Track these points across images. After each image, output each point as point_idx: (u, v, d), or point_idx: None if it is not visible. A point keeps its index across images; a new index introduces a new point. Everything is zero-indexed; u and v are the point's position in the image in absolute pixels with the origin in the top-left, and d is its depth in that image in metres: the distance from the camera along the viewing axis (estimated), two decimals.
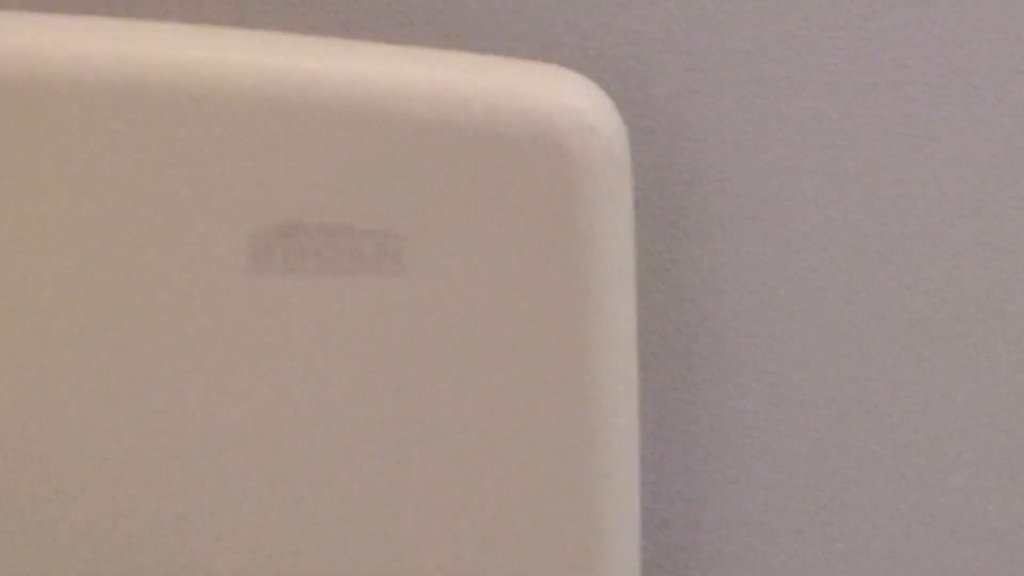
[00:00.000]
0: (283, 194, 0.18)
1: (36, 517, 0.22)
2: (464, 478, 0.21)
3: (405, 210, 0.19)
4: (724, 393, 0.27)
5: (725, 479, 0.28)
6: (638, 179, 0.22)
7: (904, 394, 0.26)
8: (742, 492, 0.28)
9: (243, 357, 0.19)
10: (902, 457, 0.27)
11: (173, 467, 0.22)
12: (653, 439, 0.26)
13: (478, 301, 0.19)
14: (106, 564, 0.22)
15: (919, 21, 0.23)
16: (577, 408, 0.21)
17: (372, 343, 0.20)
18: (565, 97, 0.20)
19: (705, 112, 0.24)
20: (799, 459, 0.28)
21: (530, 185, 0.20)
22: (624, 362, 0.22)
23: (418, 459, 0.21)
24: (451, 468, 0.21)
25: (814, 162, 0.25)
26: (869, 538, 0.28)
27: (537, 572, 0.22)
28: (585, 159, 0.20)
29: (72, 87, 0.17)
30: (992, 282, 0.25)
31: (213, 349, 0.19)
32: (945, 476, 0.27)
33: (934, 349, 0.26)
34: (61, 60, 0.17)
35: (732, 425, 0.28)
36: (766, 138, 0.25)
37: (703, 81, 0.23)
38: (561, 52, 0.21)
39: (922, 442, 0.27)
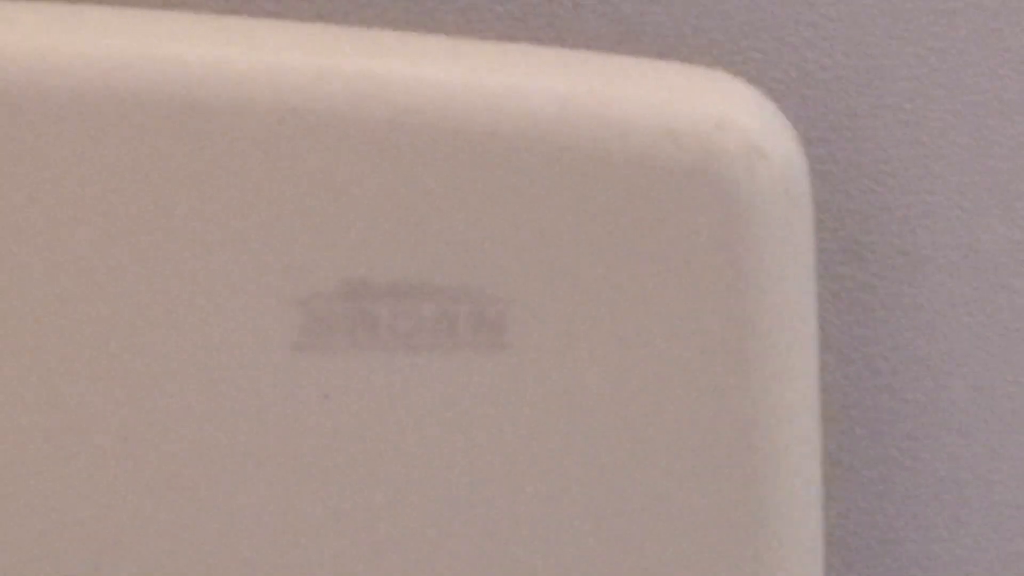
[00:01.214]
0: (347, 244, 0.13)
1: None
2: None
3: (511, 264, 0.13)
4: (923, 459, 0.20)
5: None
6: (818, 214, 0.16)
7: None
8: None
9: (292, 457, 0.14)
10: None
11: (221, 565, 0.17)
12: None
13: (610, 385, 0.14)
14: None
15: None
16: (748, 501, 0.15)
17: (461, 440, 0.14)
18: (730, 112, 0.14)
19: (898, 135, 0.17)
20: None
21: (679, 226, 0.14)
22: (808, 446, 0.15)
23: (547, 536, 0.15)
24: None
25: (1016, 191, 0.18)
26: None
27: None
28: (753, 191, 0.14)
29: (77, 100, 0.13)
30: None
31: (255, 450, 0.14)
32: None
33: None
34: (70, 65, 0.13)
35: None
36: (968, 165, 0.18)
37: (898, 97, 0.17)
38: (725, 56, 0.16)
39: None
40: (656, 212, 0.14)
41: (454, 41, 0.15)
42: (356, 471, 0.14)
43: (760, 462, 0.15)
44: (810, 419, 0.16)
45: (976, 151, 0.18)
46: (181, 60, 0.13)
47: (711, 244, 0.14)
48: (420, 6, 0.17)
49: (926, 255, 0.17)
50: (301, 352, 0.13)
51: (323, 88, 0.13)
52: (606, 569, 0.15)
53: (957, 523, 0.20)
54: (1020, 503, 0.20)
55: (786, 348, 0.14)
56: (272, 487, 0.14)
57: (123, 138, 0.13)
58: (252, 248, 0.13)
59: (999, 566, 0.21)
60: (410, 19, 0.16)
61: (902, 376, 0.18)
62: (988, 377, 0.19)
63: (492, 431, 0.14)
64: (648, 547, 0.15)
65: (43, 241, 0.13)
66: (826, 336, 0.16)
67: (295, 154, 0.13)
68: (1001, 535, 0.20)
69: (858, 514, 0.20)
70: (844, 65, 0.16)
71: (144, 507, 0.15)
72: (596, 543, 0.15)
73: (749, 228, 0.14)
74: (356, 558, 0.15)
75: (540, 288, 0.14)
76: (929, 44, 0.17)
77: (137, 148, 0.13)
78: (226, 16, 0.14)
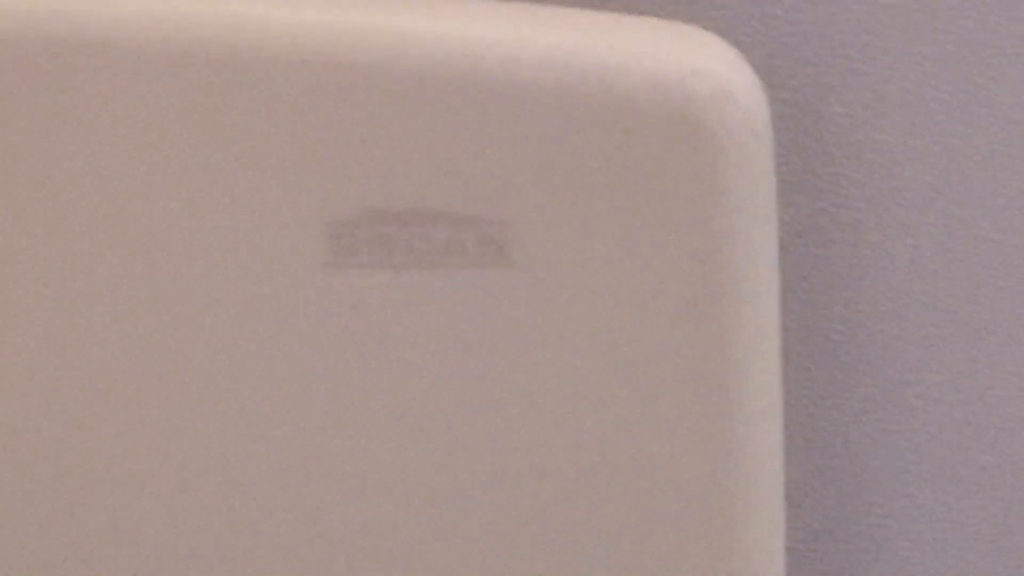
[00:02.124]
0: (369, 176, 0.15)
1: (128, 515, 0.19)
2: (586, 488, 0.17)
3: (511, 193, 0.15)
4: (867, 386, 0.22)
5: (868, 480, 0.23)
6: (777, 159, 0.18)
7: None
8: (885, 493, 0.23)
9: (323, 364, 0.16)
10: None
11: (256, 472, 0.19)
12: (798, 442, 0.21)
13: (598, 297, 0.16)
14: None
15: None
16: (714, 415, 0.17)
17: (472, 347, 0.16)
18: (700, 62, 0.16)
19: (857, 86, 0.19)
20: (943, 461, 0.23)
21: (658, 162, 0.16)
22: (768, 364, 0.17)
23: (526, 474, 0.17)
24: (572, 478, 0.17)
25: (977, 147, 0.20)
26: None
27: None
28: (723, 130, 0.16)
29: (128, 52, 0.14)
30: None
31: (289, 356, 0.16)
32: None
33: None
34: (116, 21, 0.14)
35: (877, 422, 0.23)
36: (922, 119, 0.20)
37: (859, 49, 0.19)
38: (698, 11, 0.17)
39: None
40: (639, 148, 0.16)
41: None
42: (381, 374, 0.16)
43: (725, 385, 0.17)
44: (773, 346, 0.18)
45: (919, 98, 0.20)
46: (240, 19, 0.14)
47: (688, 175, 0.16)
48: None
49: (876, 189, 0.19)
50: (332, 269, 0.15)
51: (346, 42, 0.15)
52: (587, 473, 0.17)
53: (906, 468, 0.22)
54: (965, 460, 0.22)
55: (753, 262, 0.16)
56: (306, 391, 0.16)
57: (180, 84, 0.14)
58: (289, 180, 0.14)
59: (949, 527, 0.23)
60: None
61: (852, 294, 0.21)
62: (937, 306, 0.21)
63: (494, 338, 0.16)
64: (626, 458, 0.17)
65: (105, 166, 0.15)
66: (784, 256, 0.18)
67: (324, 102, 0.15)
68: (959, 500, 0.23)
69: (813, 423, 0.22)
70: (800, 20, 0.18)
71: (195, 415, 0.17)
72: (579, 445, 0.17)
73: (720, 161, 0.16)
74: (363, 450, 0.17)
75: (539, 216, 0.16)
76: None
77: (191, 94, 0.15)
78: None
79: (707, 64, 0.17)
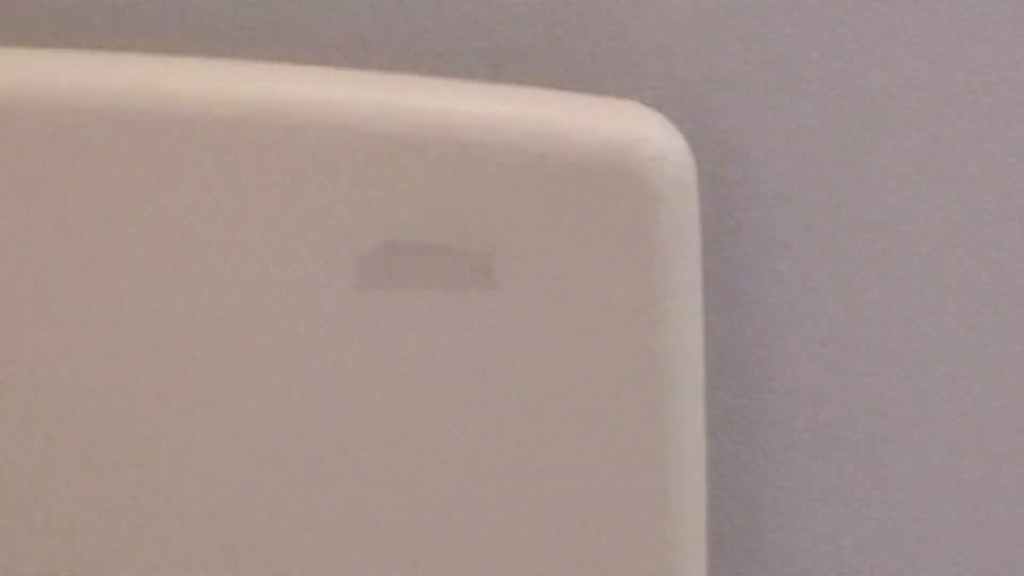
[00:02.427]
0: (388, 219, 0.19)
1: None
2: (544, 471, 0.22)
3: (496, 232, 0.19)
4: (772, 392, 0.27)
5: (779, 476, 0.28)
6: (702, 204, 0.23)
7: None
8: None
9: (350, 365, 0.20)
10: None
11: (288, 474, 0.23)
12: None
13: (562, 312, 0.20)
14: None
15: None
16: (647, 413, 0.22)
17: (466, 349, 0.20)
18: (641, 130, 0.21)
19: (764, 147, 0.24)
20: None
21: (610, 208, 0.20)
22: (693, 368, 0.22)
23: (495, 457, 0.22)
24: (531, 463, 0.21)
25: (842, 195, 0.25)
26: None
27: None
28: (658, 185, 0.21)
29: (196, 123, 0.18)
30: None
31: (323, 358, 0.20)
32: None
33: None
34: (186, 96, 0.18)
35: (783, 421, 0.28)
36: (807, 169, 0.25)
37: (764, 118, 0.24)
38: (638, 90, 0.22)
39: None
40: (592, 200, 0.20)
41: (442, 80, 0.21)
42: (398, 373, 0.20)
43: (657, 388, 0.22)
44: (697, 351, 0.23)
45: (814, 160, 0.25)
46: (287, 96, 0.18)
47: (635, 218, 0.21)
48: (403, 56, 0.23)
49: (781, 233, 0.24)
50: (356, 291, 0.19)
51: (368, 116, 0.19)
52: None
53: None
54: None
55: (683, 282, 0.21)
56: (339, 386, 0.20)
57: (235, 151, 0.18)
58: (329, 222, 0.19)
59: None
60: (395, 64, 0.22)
61: (758, 310, 0.25)
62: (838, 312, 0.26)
63: (482, 342, 0.20)
64: (572, 440, 0.22)
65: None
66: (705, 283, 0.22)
67: (354, 167, 0.19)
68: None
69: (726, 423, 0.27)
70: (717, 97, 0.23)
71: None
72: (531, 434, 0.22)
73: (659, 207, 0.21)
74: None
75: (518, 250, 0.20)
76: (789, 84, 0.24)
77: (241, 157, 0.19)
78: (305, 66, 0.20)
79: (648, 132, 0.21)
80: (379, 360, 0.20)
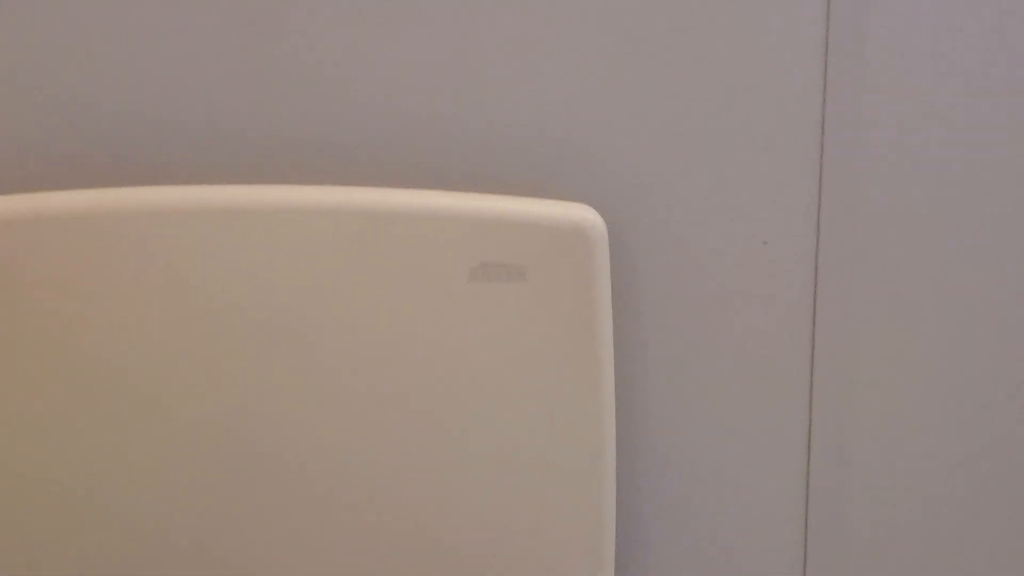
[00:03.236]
0: (478, 254, 0.42)
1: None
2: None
3: (527, 259, 0.42)
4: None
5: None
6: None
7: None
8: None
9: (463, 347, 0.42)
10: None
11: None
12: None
13: (538, 313, 0.44)
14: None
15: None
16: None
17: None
18: (584, 215, 0.45)
19: (649, 233, 0.49)
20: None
21: (569, 250, 0.45)
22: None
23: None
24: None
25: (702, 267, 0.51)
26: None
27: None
28: (591, 239, 0.45)
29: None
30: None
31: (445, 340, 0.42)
32: None
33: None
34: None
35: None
36: (673, 243, 0.50)
37: (648, 216, 0.49)
38: (584, 196, 0.47)
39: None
40: (562, 246, 0.44)
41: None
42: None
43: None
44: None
45: (690, 241, 0.50)
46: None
47: (579, 258, 0.45)
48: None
49: (649, 272, 0.49)
50: (469, 284, 0.41)
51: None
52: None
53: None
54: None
55: (603, 312, 0.45)
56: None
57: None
58: (459, 255, 0.41)
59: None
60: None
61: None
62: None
63: (517, 322, 0.43)
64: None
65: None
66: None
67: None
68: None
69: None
70: (627, 201, 0.48)
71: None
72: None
73: (592, 250, 0.45)
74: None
75: (534, 266, 0.43)
76: (670, 186, 0.49)
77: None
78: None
79: (588, 215, 0.45)
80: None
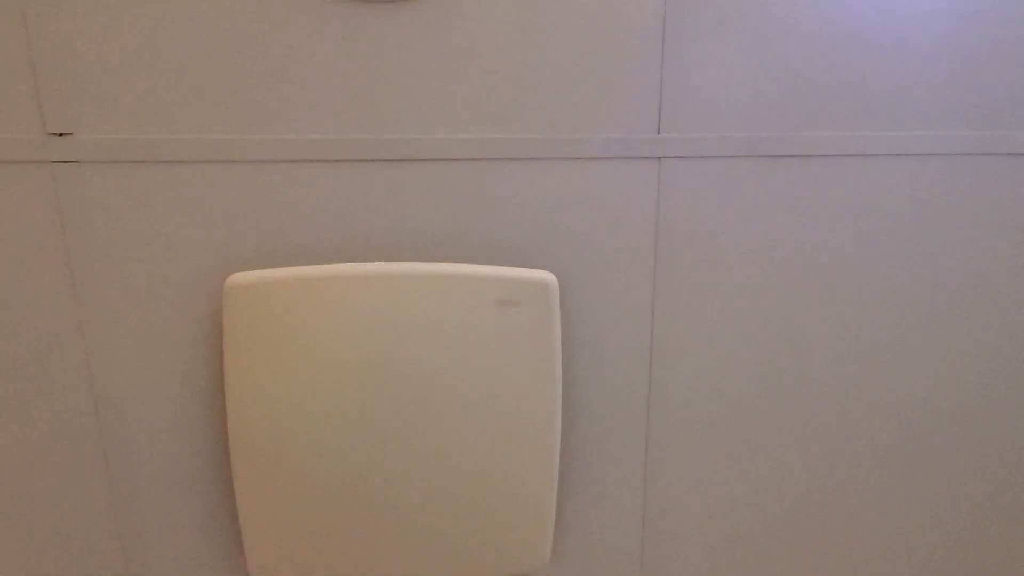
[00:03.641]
0: (500, 293, 0.86)
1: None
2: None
3: (521, 296, 0.87)
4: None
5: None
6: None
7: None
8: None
9: (504, 355, 0.85)
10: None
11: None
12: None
13: (512, 340, 0.89)
14: None
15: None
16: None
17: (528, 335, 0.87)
18: (547, 276, 0.91)
19: (583, 295, 0.96)
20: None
21: (534, 299, 0.90)
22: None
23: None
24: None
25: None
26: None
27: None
28: (551, 287, 0.91)
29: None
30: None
31: (487, 351, 0.85)
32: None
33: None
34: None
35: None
36: (599, 293, 0.98)
37: (581, 283, 0.96)
38: (546, 265, 0.93)
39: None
40: (531, 294, 0.89)
41: (476, 265, 0.89)
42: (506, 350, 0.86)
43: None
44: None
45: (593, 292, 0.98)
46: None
47: (540, 305, 0.90)
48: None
49: (584, 317, 0.96)
50: (495, 309, 0.85)
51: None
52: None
53: None
54: None
55: (554, 334, 0.91)
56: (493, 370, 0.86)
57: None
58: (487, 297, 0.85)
59: None
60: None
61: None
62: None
63: (544, 330, 0.87)
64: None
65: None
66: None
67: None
68: None
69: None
70: (567, 272, 0.95)
71: None
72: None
73: (549, 300, 0.91)
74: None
75: (524, 295, 0.88)
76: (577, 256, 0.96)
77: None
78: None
79: (547, 277, 0.91)
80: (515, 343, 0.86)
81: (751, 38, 0.91)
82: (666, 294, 1.00)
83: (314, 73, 0.85)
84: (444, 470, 0.93)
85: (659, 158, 0.94)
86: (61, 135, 0.83)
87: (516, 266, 0.94)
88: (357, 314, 0.86)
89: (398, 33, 0.85)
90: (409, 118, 0.88)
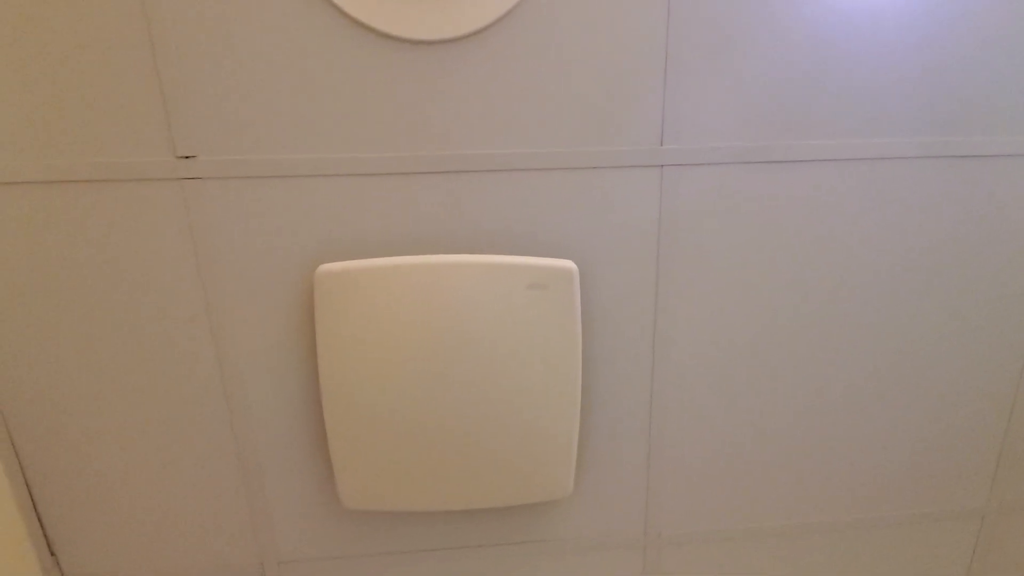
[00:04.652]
0: (530, 278, 1.05)
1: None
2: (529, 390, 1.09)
3: (548, 281, 1.06)
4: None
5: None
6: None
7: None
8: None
9: (538, 335, 1.05)
10: None
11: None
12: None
13: (535, 317, 1.08)
14: None
15: None
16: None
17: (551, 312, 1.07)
18: (568, 265, 1.10)
19: (598, 278, 1.16)
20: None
21: (558, 283, 1.09)
22: (578, 329, 1.12)
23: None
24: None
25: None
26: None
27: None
28: (572, 273, 1.11)
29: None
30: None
31: (517, 331, 1.05)
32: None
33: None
34: None
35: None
36: (620, 289, 1.17)
37: (597, 269, 1.15)
38: (571, 255, 1.12)
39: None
40: (557, 280, 1.08)
41: (513, 256, 1.09)
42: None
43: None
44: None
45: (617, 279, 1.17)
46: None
47: (564, 288, 1.09)
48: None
49: (599, 302, 1.15)
50: (526, 294, 1.04)
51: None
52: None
53: None
54: None
55: (575, 315, 1.10)
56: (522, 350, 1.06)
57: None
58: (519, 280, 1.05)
59: None
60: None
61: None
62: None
63: (567, 309, 1.07)
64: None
65: None
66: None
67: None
68: None
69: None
70: (586, 260, 1.14)
71: None
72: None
73: (570, 283, 1.10)
74: None
75: (552, 280, 1.08)
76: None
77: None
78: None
79: (569, 265, 1.10)
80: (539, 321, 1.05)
81: (741, 61, 1.07)
82: (667, 273, 1.19)
83: (385, 103, 1.03)
84: (489, 416, 1.14)
85: (661, 166, 1.11)
86: (187, 157, 1.03)
87: (543, 256, 1.14)
88: (419, 294, 1.06)
89: (444, 69, 1.03)
90: (457, 138, 1.07)
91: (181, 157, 1.03)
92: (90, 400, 1.15)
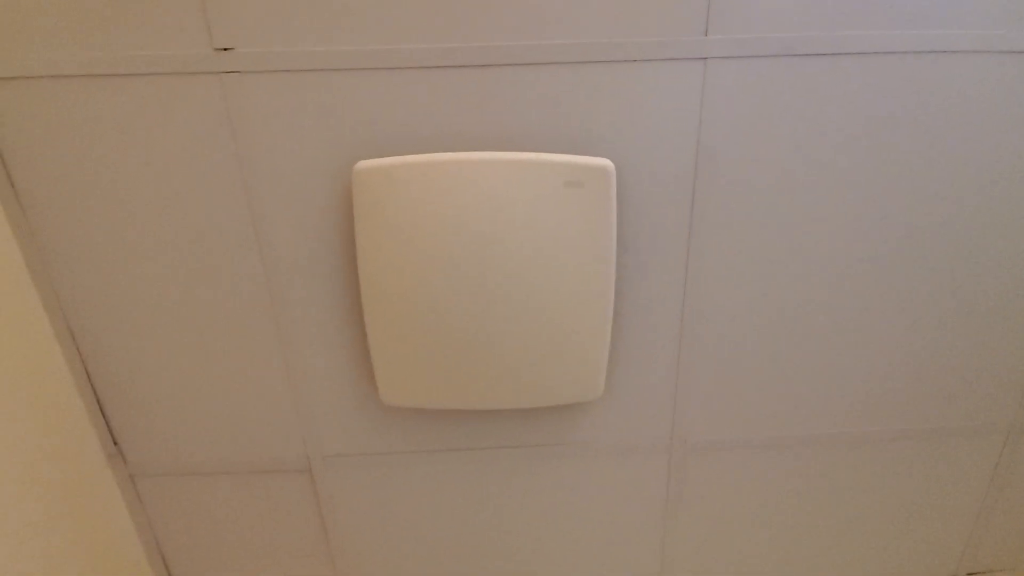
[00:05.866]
0: (567, 176, 1.01)
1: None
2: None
3: (584, 179, 1.03)
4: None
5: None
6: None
7: None
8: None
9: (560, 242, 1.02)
10: None
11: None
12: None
13: (573, 214, 1.04)
14: None
15: None
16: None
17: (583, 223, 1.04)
18: (605, 163, 1.07)
19: (634, 179, 1.11)
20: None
21: (596, 180, 1.05)
22: (613, 224, 1.08)
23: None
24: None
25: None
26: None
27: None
28: (608, 171, 1.07)
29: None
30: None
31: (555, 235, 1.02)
32: None
33: None
34: None
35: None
36: (651, 183, 1.13)
37: (633, 169, 1.11)
38: (607, 153, 1.08)
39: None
40: (593, 177, 1.05)
41: (552, 154, 1.05)
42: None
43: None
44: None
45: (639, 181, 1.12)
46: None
47: (600, 185, 1.05)
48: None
49: (636, 201, 1.11)
50: (562, 190, 1.01)
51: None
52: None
53: None
54: None
55: (611, 221, 1.06)
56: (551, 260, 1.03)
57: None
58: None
59: None
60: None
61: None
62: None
63: (597, 218, 1.04)
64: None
65: None
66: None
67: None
68: None
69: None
70: (625, 160, 1.09)
71: None
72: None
73: (608, 184, 1.06)
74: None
75: (584, 178, 1.04)
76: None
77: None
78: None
79: (606, 163, 1.07)
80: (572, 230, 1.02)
81: None
82: (705, 176, 1.14)
83: None
84: (525, 316, 1.12)
85: (704, 58, 1.05)
86: (226, 50, 1.00)
87: (580, 154, 1.09)
88: (456, 191, 1.04)
89: None
90: (492, 29, 1.01)
91: (219, 49, 1.00)
92: (137, 298, 1.17)
